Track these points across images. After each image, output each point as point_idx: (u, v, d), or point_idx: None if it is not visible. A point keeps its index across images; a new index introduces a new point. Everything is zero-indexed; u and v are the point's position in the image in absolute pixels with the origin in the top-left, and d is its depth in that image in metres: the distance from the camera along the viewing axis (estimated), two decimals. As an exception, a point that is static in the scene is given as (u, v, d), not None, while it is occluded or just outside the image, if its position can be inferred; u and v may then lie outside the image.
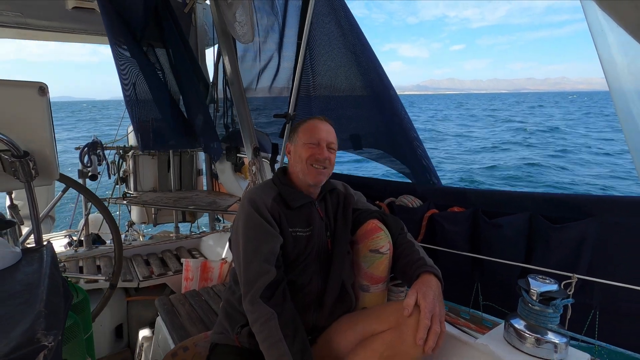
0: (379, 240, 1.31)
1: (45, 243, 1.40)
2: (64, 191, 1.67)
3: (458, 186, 1.78)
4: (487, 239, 1.57)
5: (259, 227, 1.16)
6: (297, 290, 1.22)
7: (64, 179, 1.64)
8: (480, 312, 1.71)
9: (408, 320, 1.03)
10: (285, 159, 2.26)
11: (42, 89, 1.27)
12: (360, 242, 1.36)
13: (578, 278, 1.29)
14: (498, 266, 1.54)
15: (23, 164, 1.22)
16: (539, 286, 1.07)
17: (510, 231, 1.49)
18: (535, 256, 1.47)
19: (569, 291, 1.28)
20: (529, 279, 1.11)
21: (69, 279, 1.57)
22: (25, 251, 1.28)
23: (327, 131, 1.30)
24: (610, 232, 1.30)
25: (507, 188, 11.52)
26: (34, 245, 1.41)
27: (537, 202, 1.46)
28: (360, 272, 1.35)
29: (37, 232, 1.38)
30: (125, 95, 2.35)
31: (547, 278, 1.11)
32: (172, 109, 2.59)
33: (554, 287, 1.08)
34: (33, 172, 1.27)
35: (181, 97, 2.65)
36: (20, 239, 1.39)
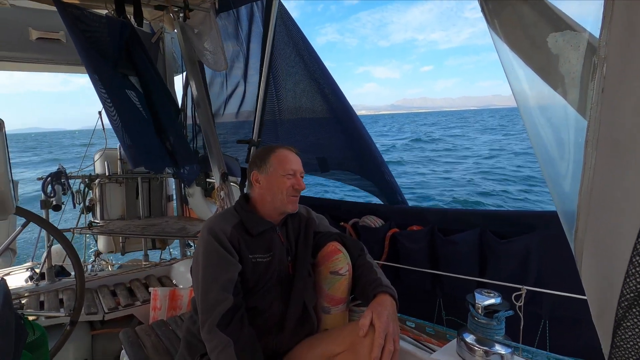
0: (338, 262, 1.35)
1: (-1, 280, 1.37)
2: (24, 226, 1.63)
3: (417, 205, 1.86)
4: (444, 256, 1.65)
5: (217, 256, 1.19)
6: (257, 315, 1.24)
7: (21, 212, 1.61)
8: (443, 327, 1.77)
9: (364, 341, 1.07)
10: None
11: (-3, 123, 1.27)
12: (321, 264, 1.39)
13: (527, 290, 1.38)
14: (456, 281, 1.61)
15: (-26, 200, 1.20)
16: (483, 300, 1.14)
17: (464, 247, 1.57)
18: (488, 270, 1.55)
19: (520, 303, 1.36)
20: (475, 294, 1.18)
21: (24, 316, 1.52)
22: (-24, 289, 1.25)
23: (297, 161, 1.35)
24: (550, 245, 1.40)
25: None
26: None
27: (487, 219, 1.56)
28: (321, 294, 1.38)
29: (-10, 268, 1.35)
30: (110, 119, 2.31)
31: (492, 292, 1.18)
32: (155, 131, 2.57)
33: (497, 300, 1.15)
34: (-14, 208, 1.25)
35: (159, 121, 2.64)
36: None
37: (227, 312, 1.12)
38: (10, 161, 1.37)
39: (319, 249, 1.41)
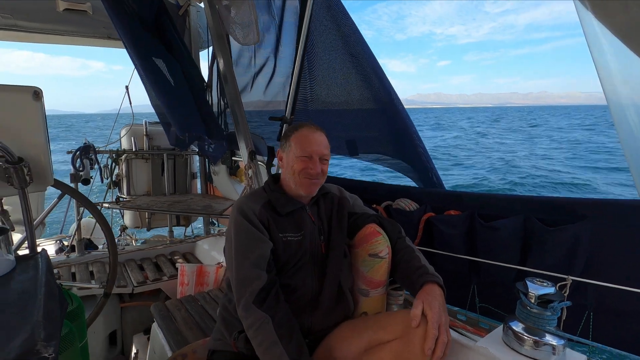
0: (377, 244, 1.31)
1: (39, 250, 1.38)
2: (60, 197, 1.64)
3: (453, 190, 1.79)
4: (484, 242, 1.59)
5: (247, 234, 1.19)
6: (291, 293, 1.23)
7: (58, 184, 1.62)
8: (477, 314, 1.73)
9: (416, 331, 1.04)
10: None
11: (36, 93, 1.25)
12: (359, 246, 1.36)
13: (572, 280, 1.32)
14: (494, 268, 1.56)
15: (17, 170, 1.20)
16: (536, 289, 1.09)
17: (505, 234, 1.51)
18: (531, 258, 1.49)
19: (564, 293, 1.31)
20: (527, 282, 1.13)
21: (63, 287, 1.55)
22: (19, 259, 1.26)
23: (319, 142, 1.28)
24: (603, 235, 1.33)
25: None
26: (27, 252, 1.39)
27: (532, 205, 1.48)
28: (359, 276, 1.36)
29: (30, 238, 1.35)
30: (146, 86, 2.27)
31: (545, 281, 1.13)
32: (192, 104, 2.52)
33: (551, 289, 1.10)
34: (27, 178, 1.25)
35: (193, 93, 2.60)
36: (13, 247, 1.36)
37: (262, 289, 1.11)
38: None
39: (356, 231, 1.37)
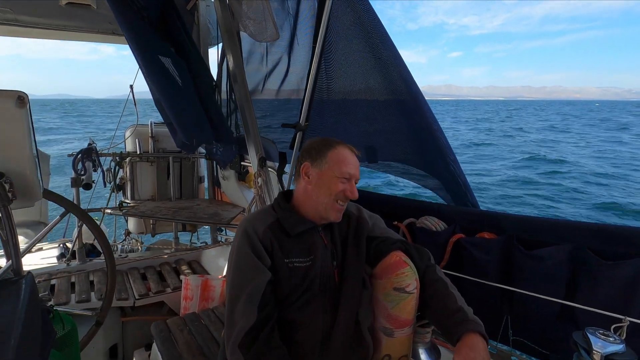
0: (404, 277, 1.14)
1: (25, 274, 1.25)
2: (62, 216, 1.53)
3: (488, 209, 1.59)
4: (522, 271, 1.40)
5: (245, 260, 1.07)
6: (295, 331, 1.07)
7: (50, 196, 1.48)
8: (509, 347, 1.55)
9: None
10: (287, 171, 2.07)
11: (21, 99, 1.10)
12: (382, 277, 1.19)
13: (630, 321, 1.13)
14: (533, 300, 1.37)
15: (-3, 187, 1.05)
16: (603, 346, 0.90)
17: (551, 264, 1.32)
18: (579, 293, 1.30)
19: (620, 335, 1.12)
20: (588, 334, 0.94)
21: (54, 309, 1.41)
22: (1, 284, 1.13)
23: (356, 165, 1.18)
24: None
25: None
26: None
27: (583, 233, 1.29)
28: (382, 313, 1.18)
29: (15, 262, 1.21)
30: (150, 88, 2.14)
31: (610, 334, 0.94)
32: (198, 102, 2.38)
33: (619, 347, 0.91)
34: (10, 194, 1.11)
35: (200, 94, 2.45)
36: (0, 271, 1.23)
37: (250, 329, 0.98)
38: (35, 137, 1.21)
39: (379, 258, 1.20)
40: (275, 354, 0.98)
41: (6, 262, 1.23)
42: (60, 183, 6.31)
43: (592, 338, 0.93)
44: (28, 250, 1.45)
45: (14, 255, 1.21)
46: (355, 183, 1.18)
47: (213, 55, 2.86)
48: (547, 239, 1.35)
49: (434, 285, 1.14)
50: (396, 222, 1.74)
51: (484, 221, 1.53)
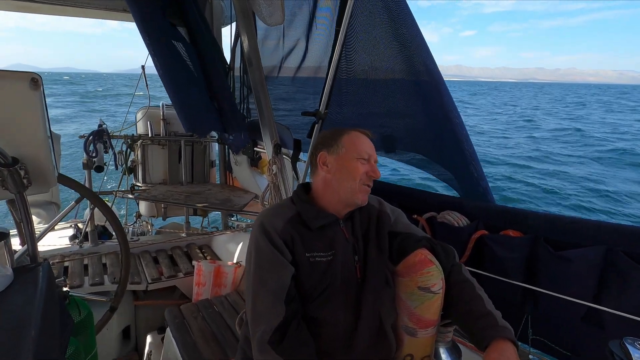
0: (430, 276, 1.09)
1: (40, 260, 1.23)
2: (77, 202, 1.50)
3: (515, 206, 1.53)
4: (549, 271, 1.35)
5: (266, 257, 1.02)
6: (317, 328, 1.04)
7: (64, 180, 1.45)
8: (528, 346, 1.53)
9: None
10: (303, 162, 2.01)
11: (34, 80, 1.05)
12: (406, 275, 1.14)
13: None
14: (557, 301, 1.33)
15: (12, 173, 1.02)
16: (643, 358, 0.86)
17: (581, 267, 1.27)
18: (608, 297, 1.26)
19: (649, 341, 1.08)
20: (627, 345, 0.89)
21: (70, 295, 1.41)
22: (19, 271, 1.11)
23: (371, 145, 1.16)
24: None
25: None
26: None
27: (618, 235, 1.23)
28: (405, 312, 1.14)
29: (31, 248, 1.19)
30: (158, 71, 2.07)
31: (650, 345, 0.89)
32: (205, 89, 2.29)
33: (661, 359, 0.86)
34: (25, 181, 1.07)
35: (209, 79, 2.37)
36: (16, 256, 1.21)
37: (279, 326, 0.95)
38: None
39: (403, 256, 1.15)
40: (306, 351, 0.96)
41: (21, 247, 1.21)
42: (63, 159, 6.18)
43: (631, 348, 0.89)
44: (43, 235, 1.43)
45: (30, 241, 1.19)
46: (375, 162, 1.15)
47: (226, 34, 2.77)
48: (577, 240, 1.29)
49: (459, 286, 1.10)
50: (416, 216, 1.69)
51: (509, 218, 1.47)
